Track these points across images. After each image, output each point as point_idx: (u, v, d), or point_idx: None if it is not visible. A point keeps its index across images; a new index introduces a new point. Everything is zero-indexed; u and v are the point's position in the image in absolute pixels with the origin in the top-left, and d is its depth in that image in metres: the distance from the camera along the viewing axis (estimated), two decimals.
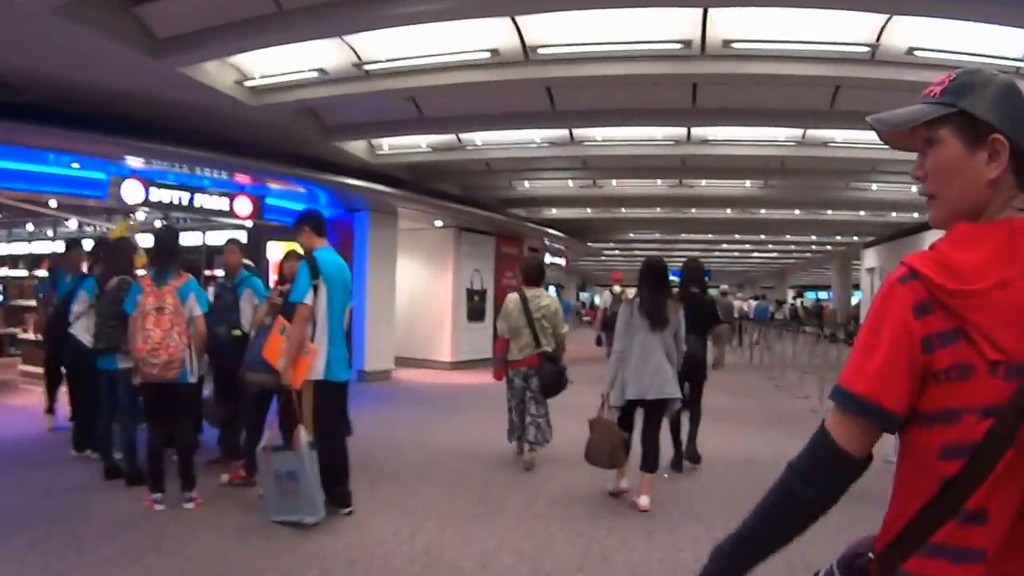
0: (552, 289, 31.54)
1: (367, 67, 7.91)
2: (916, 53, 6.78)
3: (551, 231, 19.63)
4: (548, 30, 7.14)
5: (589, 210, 19.53)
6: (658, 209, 18.84)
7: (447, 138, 11.46)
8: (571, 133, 11.20)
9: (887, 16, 6.56)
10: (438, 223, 15.50)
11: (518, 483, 6.48)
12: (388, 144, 11.85)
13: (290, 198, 12.21)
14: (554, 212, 19.38)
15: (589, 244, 26.18)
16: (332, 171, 11.21)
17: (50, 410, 8.14)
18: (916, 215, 17.94)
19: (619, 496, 6.01)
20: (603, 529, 5.22)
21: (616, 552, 4.81)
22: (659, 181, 15.65)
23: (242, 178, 11.00)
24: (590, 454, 5.78)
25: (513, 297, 7.23)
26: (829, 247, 28.59)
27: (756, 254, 34.90)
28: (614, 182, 15.96)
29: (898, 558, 1.24)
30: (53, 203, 11.84)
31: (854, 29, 6.79)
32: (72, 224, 16.79)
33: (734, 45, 6.97)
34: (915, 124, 1.31)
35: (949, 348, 1.19)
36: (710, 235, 26.09)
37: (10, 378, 11.77)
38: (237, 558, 4.54)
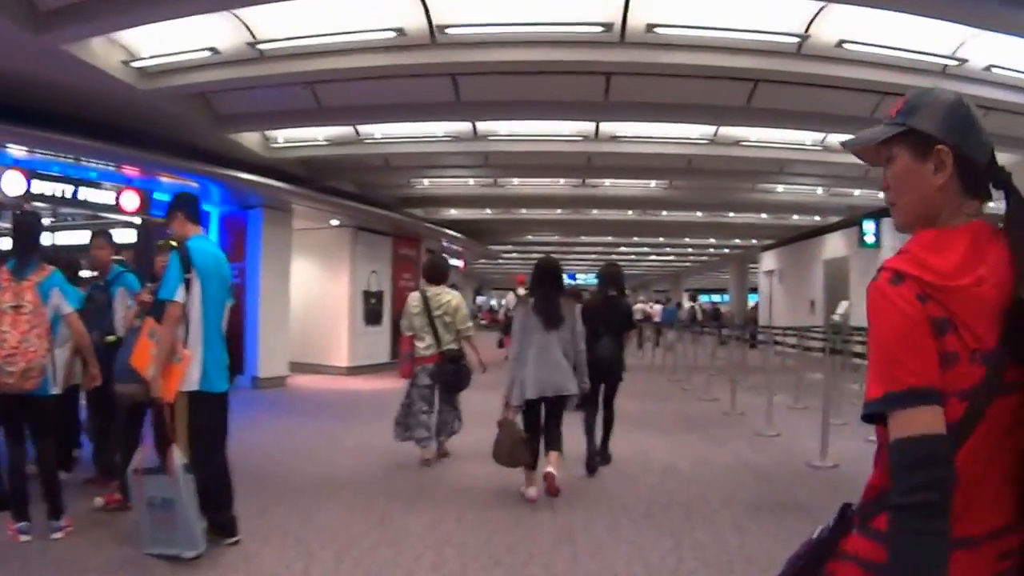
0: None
1: (262, 46, 7.60)
2: (846, 46, 6.80)
3: (450, 232, 19.53)
4: (457, 8, 6.85)
5: (489, 211, 19.57)
6: (559, 210, 18.99)
7: (345, 131, 11.21)
8: (475, 127, 11.05)
9: (821, 5, 6.52)
10: (334, 222, 15.21)
11: (423, 500, 6.01)
12: (283, 136, 11.57)
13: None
14: (453, 212, 19.36)
15: (489, 247, 25.95)
16: (225, 165, 10.86)
17: None
18: (817, 218, 18.52)
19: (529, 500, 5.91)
20: (523, 555, 4.80)
21: None
22: (562, 180, 15.71)
23: (130, 170, 10.38)
24: (495, 453, 5.98)
25: (415, 295, 7.36)
26: (727, 250, 29.39)
27: (653, 257, 35.69)
28: (516, 181, 15.92)
29: (871, 514, 1.40)
30: None
31: (785, 18, 6.73)
32: None
33: (657, 30, 6.79)
34: (873, 143, 1.52)
35: (943, 337, 1.31)
36: (609, 237, 26.41)
37: None
38: None
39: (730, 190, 15.88)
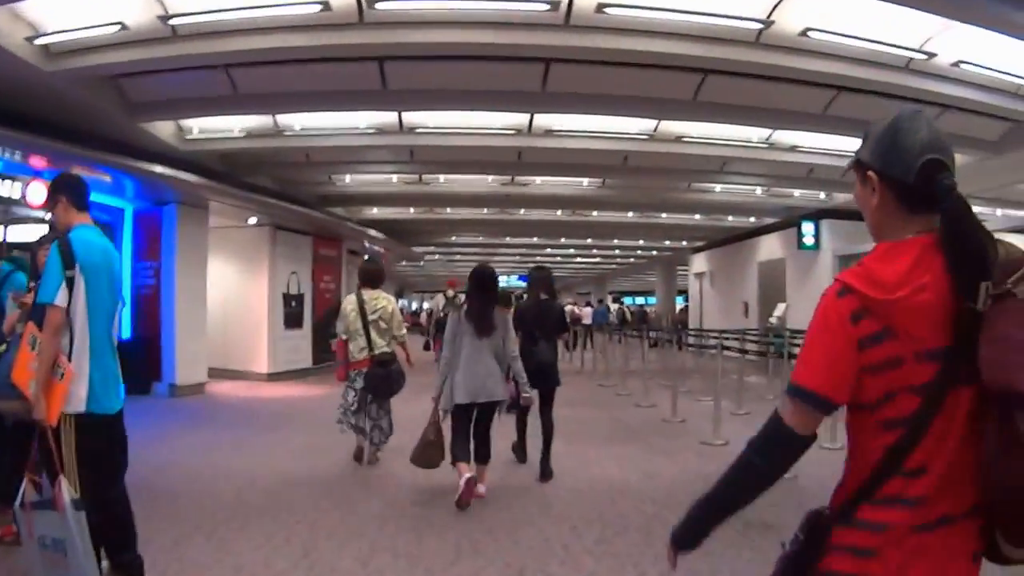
0: None
1: (174, 22, 7.08)
2: (810, 34, 6.53)
3: (372, 232, 19.04)
4: None
5: (412, 210, 19.17)
6: (485, 210, 18.71)
7: (263, 122, 10.69)
8: (400, 118, 10.59)
9: None
10: (252, 220, 14.64)
11: (352, 524, 5.46)
12: (199, 127, 10.95)
13: (94, 188, 10.58)
14: (375, 211, 18.91)
15: (412, 248, 25.39)
16: (138, 156, 10.30)
17: None
18: (752, 219, 18.52)
19: (464, 499, 5.85)
20: None
21: None
22: (491, 178, 15.32)
23: (37, 161, 9.57)
24: (412, 455, 6.24)
25: (351, 299, 7.53)
26: (655, 252, 29.42)
27: (579, 259, 35.58)
28: (442, 178, 15.51)
29: (852, 508, 1.60)
30: None
31: (748, 2, 6.38)
32: None
33: (608, 10, 6.38)
34: (845, 172, 1.95)
35: (881, 345, 1.54)
36: (535, 239, 26.16)
37: None
38: None
39: (665, 189, 15.74)
